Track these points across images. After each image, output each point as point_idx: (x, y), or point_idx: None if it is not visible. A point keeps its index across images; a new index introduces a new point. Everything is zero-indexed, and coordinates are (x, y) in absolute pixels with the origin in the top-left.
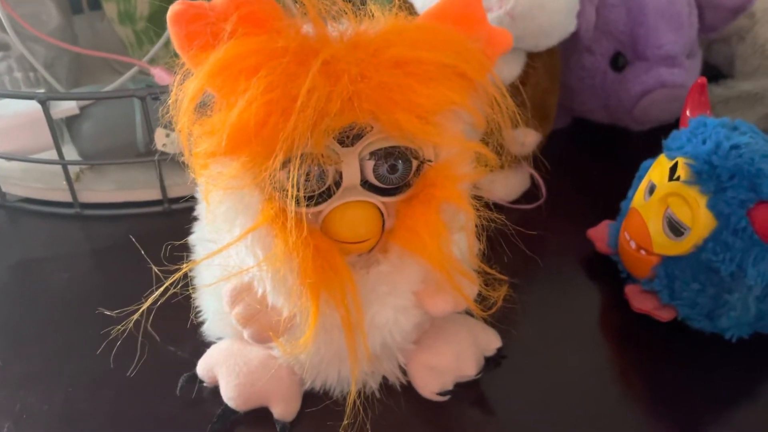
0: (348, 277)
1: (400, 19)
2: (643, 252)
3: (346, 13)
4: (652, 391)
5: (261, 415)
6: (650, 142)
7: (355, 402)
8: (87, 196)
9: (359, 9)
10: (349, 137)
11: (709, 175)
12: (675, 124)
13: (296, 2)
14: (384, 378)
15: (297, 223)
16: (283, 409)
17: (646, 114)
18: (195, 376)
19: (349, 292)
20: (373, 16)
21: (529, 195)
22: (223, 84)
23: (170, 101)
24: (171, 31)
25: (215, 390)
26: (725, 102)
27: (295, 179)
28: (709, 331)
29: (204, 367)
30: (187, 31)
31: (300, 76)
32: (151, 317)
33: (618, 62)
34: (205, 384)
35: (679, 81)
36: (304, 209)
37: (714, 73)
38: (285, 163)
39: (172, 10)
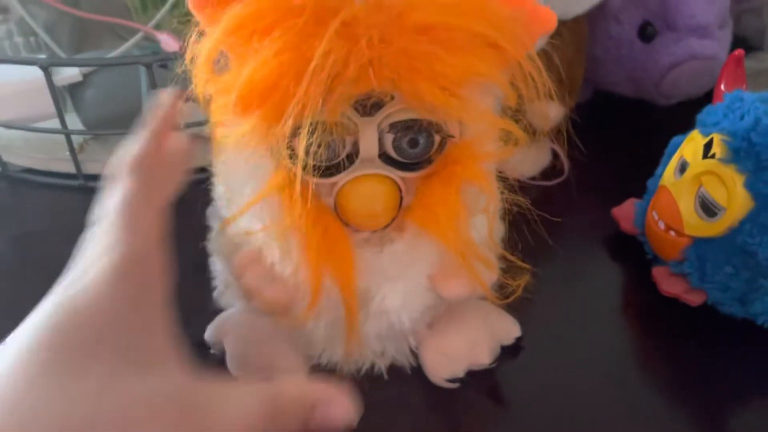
0: (349, 260)
1: None
2: (672, 233)
3: None
4: (678, 378)
5: None
6: (676, 117)
7: (359, 381)
8: (91, 167)
9: None
10: (367, 106)
11: (748, 153)
12: (703, 99)
13: None
14: (395, 359)
15: (303, 194)
16: None
17: (674, 87)
18: (203, 342)
19: (351, 276)
20: None
21: (550, 171)
22: (237, 44)
23: (186, 58)
24: None
25: (223, 358)
26: (755, 76)
27: (306, 147)
28: (741, 316)
29: (212, 334)
30: None
31: (316, 38)
32: None
33: (646, 32)
34: (212, 351)
35: (710, 53)
36: (315, 179)
37: (743, 45)
38: (297, 130)
39: None
